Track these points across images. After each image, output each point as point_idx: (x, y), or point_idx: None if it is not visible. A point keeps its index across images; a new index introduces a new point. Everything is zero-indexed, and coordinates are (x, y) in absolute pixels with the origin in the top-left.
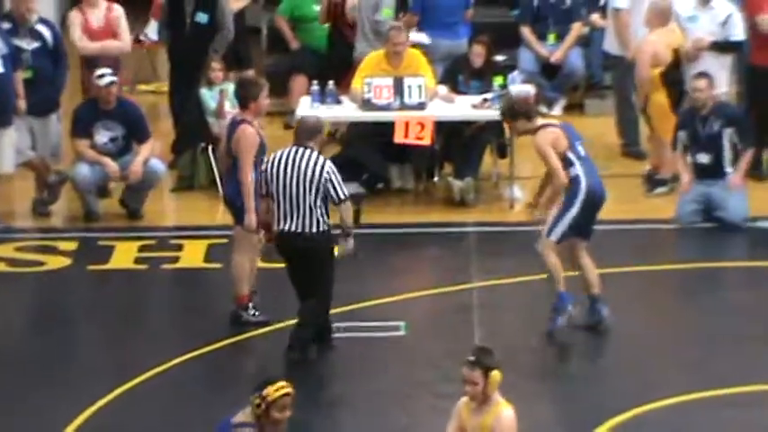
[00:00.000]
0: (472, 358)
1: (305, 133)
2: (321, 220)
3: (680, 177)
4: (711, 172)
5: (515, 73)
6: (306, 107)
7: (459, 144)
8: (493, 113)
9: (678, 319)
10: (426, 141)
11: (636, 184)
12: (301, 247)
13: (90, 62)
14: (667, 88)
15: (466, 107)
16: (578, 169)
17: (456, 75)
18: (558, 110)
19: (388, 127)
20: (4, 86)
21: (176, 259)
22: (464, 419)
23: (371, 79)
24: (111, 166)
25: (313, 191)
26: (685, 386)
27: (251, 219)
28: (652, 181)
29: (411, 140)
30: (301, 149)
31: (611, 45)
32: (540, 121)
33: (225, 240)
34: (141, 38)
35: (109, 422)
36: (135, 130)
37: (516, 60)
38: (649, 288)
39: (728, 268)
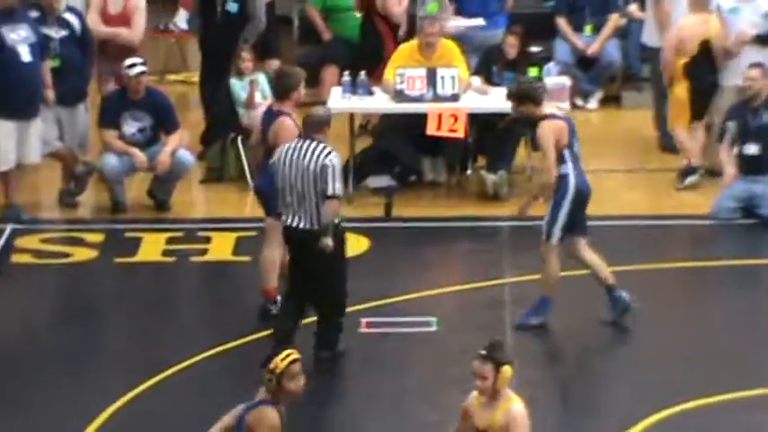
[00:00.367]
0: (483, 352)
1: (312, 126)
2: (323, 216)
3: (724, 170)
4: (759, 164)
5: (551, 64)
6: (337, 98)
7: (493, 136)
8: None
9: (710, 318)
10: (459, 134)
11: (672, 179)
12: (303, 241)
13: (99, 47)
14: (688, 80)
15: (500, 99)
16: (569, 167)
17: (490, 66)
18: (594, 103)
19: (421, 119)
20: (32, 76)
21: (204, 252)
22: (474, 414)
23: (404, 70)
24: (139, 156)
25: (315, 182)
26: (718, 387)
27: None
28: (682, 172)
29: (444, 133)
30: (308, 142)
31: (649, 37)
32: (547, 109)
33: (254, 233)
34: (171, 27)
35: (135, 417)
36: (163, 120)
37: (552, 52)
38: (682, 286)
39: (765, 266)
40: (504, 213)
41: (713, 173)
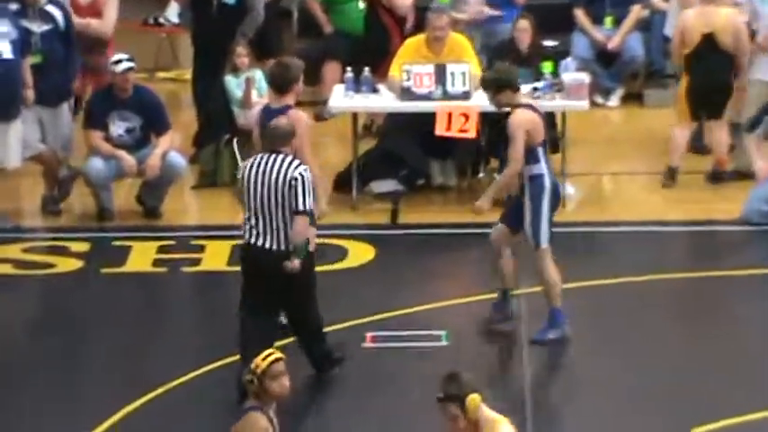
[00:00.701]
0: (440, 395)
1: (277, 138)
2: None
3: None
4: None
5: (568, 60)
6: (339, 96)
7: (507, 137)
8: (544, 104)
9: (742, 331)
10: (471, 134)
11: (699, 182)
12: (267, 265)
13: None
14: (687, 75)
15: None
16: (543, 167)
17: (502, 61)
18: (614, 100)
19: (429, 118)
20: (12, 75)
21: (197, 262)
22: None
23: (411, 66)
24: (128, 159)
25: (283, 200)
26: (751, 404)
27: (322, 208)
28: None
29: (454, 133)
30: (273, 156)
31: (673, 29)
32: (522, 98)
33: None
34: (161, 21)
35: None
36: (153, 120)
37: (569, 46)
38: (711, 296)
39: None
40: None
41: (742, 174)
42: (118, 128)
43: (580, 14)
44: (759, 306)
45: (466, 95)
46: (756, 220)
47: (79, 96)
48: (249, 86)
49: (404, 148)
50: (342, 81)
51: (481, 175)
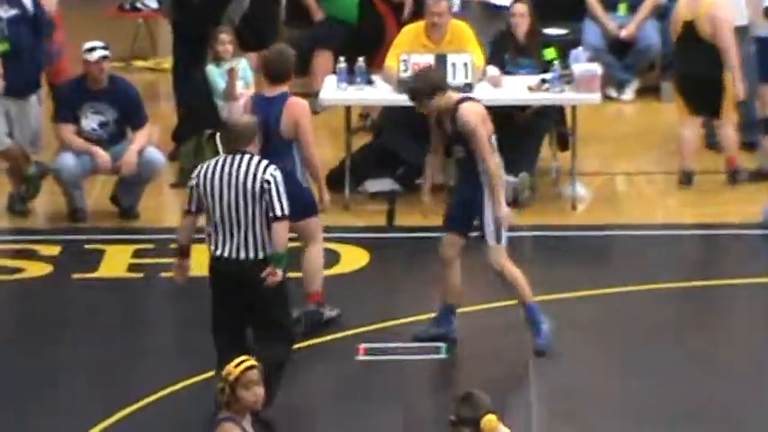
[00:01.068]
0: (453, 418)
1: (241, 137)
2: (264, 243)
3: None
4: None
5: (579, 50)
6: (331, 88)
7: (512, 133)
8: (553, 97)
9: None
10: None
11: (719, 182)
12: (242, 277)
13: None
14: (675, 63)
15: (520, 89)
16: (498, 159)
17: (501, 54)
18: (629, 94)
19: None
20: None
21: None
22: None
23: (409, 56)
24: (102, 155)
25: (253, 205)
26: None
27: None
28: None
29: None
30: (238, 156)
31: None
32: (454, 93)
33: None
34: (138, 5)
35: None
36: (129, 113)
37: (579, 35)
38: (731, 304)
39: None
40: (525, 222)
41: (763, 175)
42: (91, 121)
43: (592, 1)
44: None
45: (468, 88)
46: None
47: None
48: (233, 77)
49: (401, 145)
50: (334, 72)
51: None
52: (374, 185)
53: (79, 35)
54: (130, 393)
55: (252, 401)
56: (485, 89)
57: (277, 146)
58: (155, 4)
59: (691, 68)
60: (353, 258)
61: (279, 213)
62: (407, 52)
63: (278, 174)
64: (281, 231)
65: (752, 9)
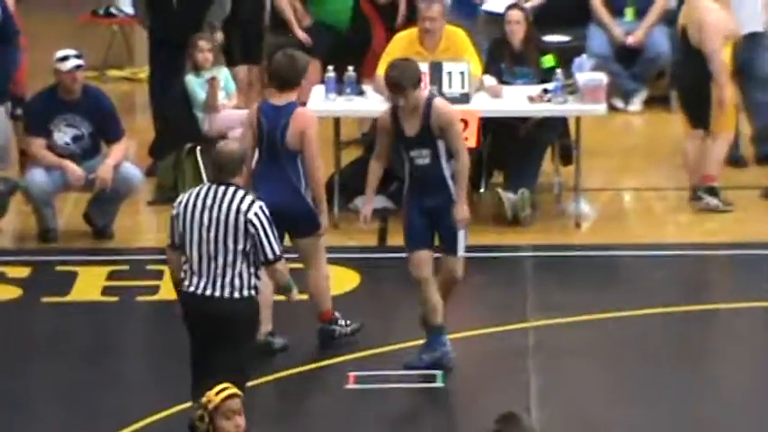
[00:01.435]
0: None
1: (225, 167)
2: (245, 282)
3: None
4: None
5: (583, 57)
6: (319, 99)
7: (512, 147)
8: (556, 108)
9: None
10: (470, 143)
11: (736, 198)
12: (213, 316)
13: None
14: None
15: (521, 100)
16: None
17: (498, 62)
18: (637, 104)
19: None
20: None
21: (155, 289)
22: None
23: None
24: (74, 170)
25: (234, 243)
26: None
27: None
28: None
29: None
30: (222, 188)
31: None
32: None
33: None
34: (112, 11)
35: None
36: (104, 126)
37: (584, 42)
38: (747, 329)
39: None
40: (526, 241)
41: None
42: (63, 135)
43: (597, 5)
44: None
45: (465, 98)
46: None
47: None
48: (214, 87)
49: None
50: (322, 81)
51: (482, 189)
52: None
53: (49, 43)
54: (103, 426)
55: None
56: (483, 99)
57: (283, 158)
58: (130, 10)
59: (683, 78)
60: (343, 280)
61: (271, 257)
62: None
63: (263, 212)
64: (280, 269)
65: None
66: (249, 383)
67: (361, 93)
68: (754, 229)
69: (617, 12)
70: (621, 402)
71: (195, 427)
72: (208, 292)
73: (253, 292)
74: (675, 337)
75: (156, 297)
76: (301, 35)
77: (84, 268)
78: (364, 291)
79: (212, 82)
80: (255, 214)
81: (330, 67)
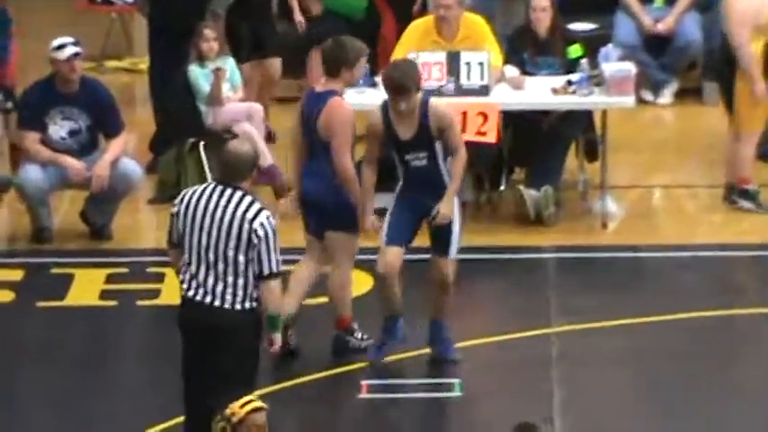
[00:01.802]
0: None
1: (234, 170)
2: (248, 292)
3: None
4: None
5: (609, 47)
6: None
7: (535, 141)
8: (581, 100)
9: None
10: (490, 138)
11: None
12: (211, 325)
13: None
14: None
15: (544, 92)
16: None
17: (520, 52)
18: (667, 97)
19: None
20: None
21: (156, 293)
22: None
23: (417, 54)
24: (75, 165)
25: (236, 251)
26: None
27: (366, 219)
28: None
29: (470, 137)
30: (228, 191)
31: None
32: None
33: None
34: None
35: None
36: (103, 120)
37: (610, 30)
38: None
39: None
40: (549, 242)
41: None
42: (59, 129)
43: None
44: None
45: (484, 90)
46: None
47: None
48: (219, 78)
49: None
50: None
51: (502, 187)
52: (378, 201)
53: (44, 32)
54: None
55: None
56: (504, 91)
57: (316, 147)
58: None
59: (720, 67)
60: (356, 283)
61: (267, 271)
62: (416, 50)
63: (269, 222)
64: (274, 290)
65: None
66: (257, 393)
67: (374, 85)
68: None
69: None
70: (649, 413)
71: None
72: (207, 300)
73: (255, 303)
74: (706, 343)
75: (157, 301)
76: (298, 18)
77: (80, 270)
78: (377, 295)
79: (217, 73)
80: (261, 224)
81: None
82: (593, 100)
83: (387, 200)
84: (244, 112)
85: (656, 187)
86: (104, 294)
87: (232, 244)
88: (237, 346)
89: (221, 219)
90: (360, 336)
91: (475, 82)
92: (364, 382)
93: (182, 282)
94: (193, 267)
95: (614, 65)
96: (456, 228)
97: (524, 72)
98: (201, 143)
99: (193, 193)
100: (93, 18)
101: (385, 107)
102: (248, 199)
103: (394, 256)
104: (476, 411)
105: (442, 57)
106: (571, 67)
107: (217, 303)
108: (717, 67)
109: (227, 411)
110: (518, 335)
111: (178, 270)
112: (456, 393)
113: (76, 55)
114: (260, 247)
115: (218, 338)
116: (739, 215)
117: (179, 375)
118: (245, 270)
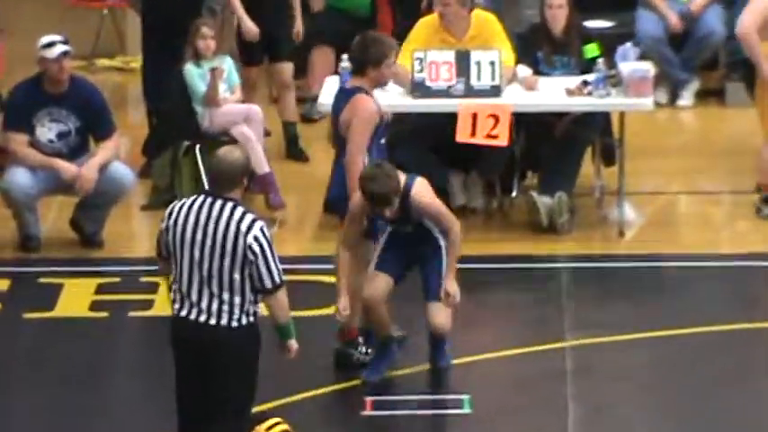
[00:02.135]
0: None
1: (221, 179)
2: (244, 308)
3: None
4: None
5: (627, 46)
6: (332, 91)
7: (548, 145)
8: (597, 102)
9: None
10: (501, 141)
11: None
12: (206, 344)
13: None
14: None
15: (558, 93)
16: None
17: (533, 51)
18: (687, 98)
19: (449, 120)
20: None
21: (149, 304)
22: None
23: (424, 53)
24: (68, 168)
25: (231, 268)
26: None
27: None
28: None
29: (480, 139)
30: (218, 203)
31: None
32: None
33: None
34: None
35: None
36: (93, 121)
37: (628, 28)
38: None
39: None
40: (563, 251)
41: None
42: (47, 131)
43: None
44: None
45: (495, 91)
46: None
47: None
48: (215, 78)
49: (415, 159)
50: (335, 72)
51: (514, 193)
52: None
53: (31, 29)
54: None
55: None
56: (516, 92)
57: (340, 145)
58: None
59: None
60: None
61: (270, 286)
62: (423, 48)
63: (263, 234)
64: (281, 300)
65: None
66: (256, 409)
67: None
68: None
69: None
70: (670, 429)
71: None
72: (202, 319)
73: (252, 318)
74: (730, 358)
75: (149, 312)
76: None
77: (70, 280)
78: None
79: (214, 73)
80: (255, 238)
81: (345, 56)
82: (609, 102)
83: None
84: (242, 115)
85: (677, 193)
86: (95, 305)
87: (227, 262)
88: (233, 366)
89: (213, 235)
90: (363, 350)
91: (485, 82)
92: (368, 399)
93: (173, 301)
94: (185, 286)
95: (632, 64)
96: (446, 279)
97: (537, 72)
98: (197, 146)
99: (182, 206)
100: (83, 14)
101: None
102: (240, 211)
103: (382, 283)
104: (486, 429)
105: (450, 56)
106: (587, 66)
107: (212, 322)
108: (743, 65)
109: None
110: (530, 348)
111: (169, 281)
112: (465, 410)
113: (66, 53)
114: (257, 263)
115: (214, 358)
116: (766, 223)
117: (173, 390)
118: (242, 287)
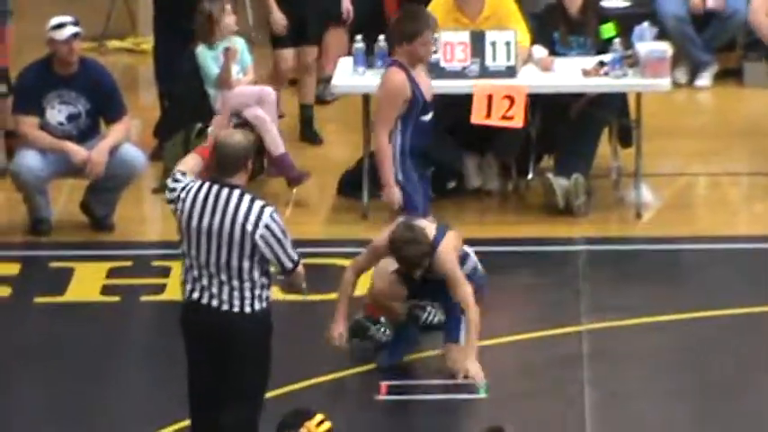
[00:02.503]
0: None
1: (223, 164)
2: (253, 294)
3: None
4: None
5: (644, 26)
6: (346, 73)
7: (564, 127)
8: (614, 83)
9: None
10: (517, 122)
11: None
12: (218, 330)
13: None
14: None
15: (574, 74)
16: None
17: (549, 32)
18: (706, 79)
19: (463, 102)
20: None
21: (161, 288)
22: None
23: (439, 33)
24: (78, 151)
25: (240, 258)
26: None
27: (389, 191)
28: None
29: (495, 121)
30: (224, 192)
31: None
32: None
33: None
34: None
35: None
36: (103, 104)
37: (647, 8)
38: None
39: None
40: (580, 234)
41: None
42: (57, 113)
43: None
44: None
45: (510, 72)
46: None
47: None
48: (228, 60)
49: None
50: (349, 53)
51: (530, 175)
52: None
53: (40, 10)
54: None
55: None
56: (531, 73)
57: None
58: None
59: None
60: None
61: (290, 266)
62: (438, 29)
63: (274, 220)
64: (300, 275)
65: None
66: (270, 394)
67: (371, 65)
68: None
69: None
70: (686, 415)
71: None
72: (214, 304)
73: (264, 304)
74: (749, 340)
75: (162, 297)
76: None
77: (81, 264)
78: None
79: (227, 53)
80: (267, 226)
81: (358, 37)
82: (626, 82)
83: None
84: (254, 96)
85: (695, 175)
86: (106, 290)
87: (235, 252)
88: (247, 353)
89: (220, 227)
90: (382, 330)
91: (501, 63)
92: (383, 383)
93: (184, 282)
94: (195, 272)
95: (649, 44)
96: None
97: (553, 52)
98: (209, 129)
99: (190, 190)
100: None
101: None
102: (247, 199)
103: (383, 283)
104: (501, 414)
105: (465, 36)
106: (603, 47)
107: (225, 308)
108: (761, 45)
109: (303, 430)
110: (547, 332)
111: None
112: (481, 395)
113: (76, 35)
114: (274, 250)
115: (227, 344)
116: None
117: (184, 376)
118: (251, 272)
